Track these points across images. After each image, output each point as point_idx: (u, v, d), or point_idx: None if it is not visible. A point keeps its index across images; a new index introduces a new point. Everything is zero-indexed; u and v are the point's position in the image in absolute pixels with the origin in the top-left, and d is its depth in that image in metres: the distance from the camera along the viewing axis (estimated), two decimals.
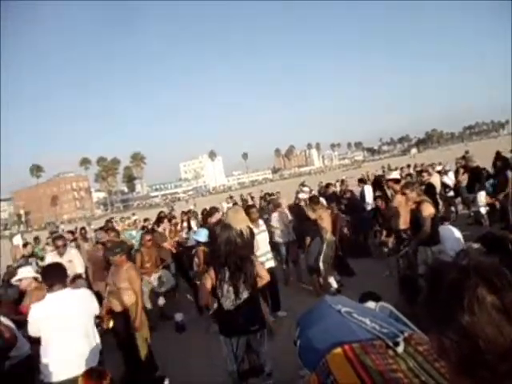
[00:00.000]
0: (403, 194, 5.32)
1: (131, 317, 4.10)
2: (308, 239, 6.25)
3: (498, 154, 9.93)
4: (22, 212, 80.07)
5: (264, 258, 5.37)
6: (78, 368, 2.81)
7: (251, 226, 5.05)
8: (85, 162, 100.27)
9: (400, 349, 1.33)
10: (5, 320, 3.32)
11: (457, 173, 10.04)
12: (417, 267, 4.85)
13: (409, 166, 16.08)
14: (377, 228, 7.90)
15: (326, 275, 6.06)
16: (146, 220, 12.30)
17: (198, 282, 5.05)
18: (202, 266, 5.05)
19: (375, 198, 8.61)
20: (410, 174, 11.16)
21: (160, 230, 7.57)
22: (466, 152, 13.52)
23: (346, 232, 7.76)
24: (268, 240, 5.84)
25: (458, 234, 5.18)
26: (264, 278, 3.32)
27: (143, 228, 11.39)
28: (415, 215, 4.95)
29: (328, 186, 11.07)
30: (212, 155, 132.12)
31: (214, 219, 6.04)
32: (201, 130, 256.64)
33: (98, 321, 4.11)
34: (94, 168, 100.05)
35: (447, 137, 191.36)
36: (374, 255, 7.70)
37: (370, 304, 1.85)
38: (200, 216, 10.62)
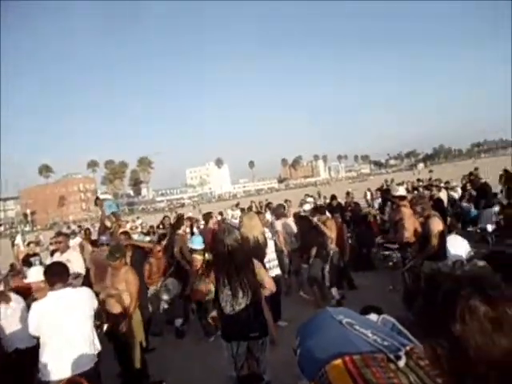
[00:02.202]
0: (411, 207, 5.29)
1: (127, 319, 4.10)
2: (314, 250, 6.22)
3: (505, 171, 9.88)
4: (28, 211, 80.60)
5: (270, 265, 5.37)
6: (75, 368, 2.80)
7: (259, 233, 5.05)
8: (92, 164, 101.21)
9: (401, 363, 1.30)
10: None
11: (464, 189, 9.98)
12: (422, 282, 4.79)
13: (418, 180, 16.03)
14: (380, 241, 7.85)
15: (329, 286, 6.01)
16: (151, 227, 12.30)
17: (194, 289, 5.05)
18: (196, 274, 5.05)
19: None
20: (416, 188, 11.12)
21: (180, 232, 6.81)
22: (476, 169, 13.45)
23: (350, 244, 7.71)
24: (273, 248, 5.83)
25: (463, 242, 5.14)
26: (268, 285, 3.30)
27: (148, 233, 11.41)
28: (423, 229, 4.91)
29: (333, 197, 11.04)
30: (219, 162, 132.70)
31: (210, 224, 6.05)
32: (208, 138, 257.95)
33: (99, 323, 4.11)
34: (102, 171, 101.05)
35: (455, 153, 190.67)
36: (377, 268, 7.63)
37: (373, 316, 1.81)
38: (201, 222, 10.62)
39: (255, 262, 3.29)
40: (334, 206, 9.83)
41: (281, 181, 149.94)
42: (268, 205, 12.33)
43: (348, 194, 11.93)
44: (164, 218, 10.36)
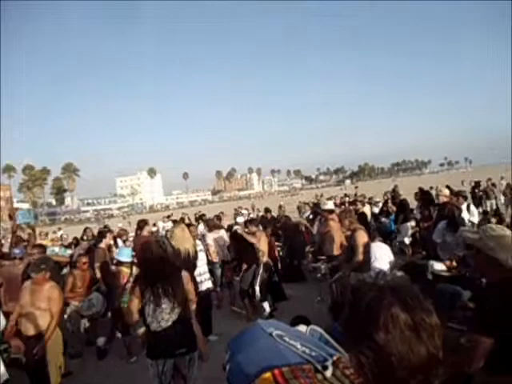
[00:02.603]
0: (339, 221, 5.54)
1: (43, 341, 3.70)
2: (245, 262, 6.22)
3: (420, 189, 10.85)
4: None
5: (201, 279, 5.27)
6: None
7: (191, 245, 4.95)
8: (8, 169, 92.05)
9: (328, 373, 1.33)
10: None
11: (385, 204, 10.75)
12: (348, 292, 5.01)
13: (345, 195, 16.96)
14: (310, 249, 8.10)
15: (260, 299, 6.04)
16: (75, 238, 11.42)
17: (121, 305, 4.78)
18: (121, 288, 4.79)
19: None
20: (343, 203, 11.74)
21: (103, 246, 6.43)
22: (395, 186, 14.60)
23: (281, 256, 7.87)
24: (205, 260, 5.75)
25: (387, 249, 5.51)
26: (192, 300, 3.21)
27: (70, 245, 10.56)
28: (349, 242, 5.16)
29: (267, 210, 11.24)
30: (151, 172, 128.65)
31: (145, 232, 5.82)
32: (141, 147, 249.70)
33: (6, 346, 3.68)
34: (20, 177, 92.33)
35: (378, 171, 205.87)
36: (307, 279, 7.86)
37: (302, 327, 1.84)
38: (133, 233, 10.11)
39: (184, 275, 3.19)
40: (267, 219, 10.01)
41: (215, 193, 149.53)
42: (201, 217, 12.18)
43: (280, 207, 12.21)
44: (85, 230, 9.60)
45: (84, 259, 5.82)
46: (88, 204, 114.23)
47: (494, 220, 8.01)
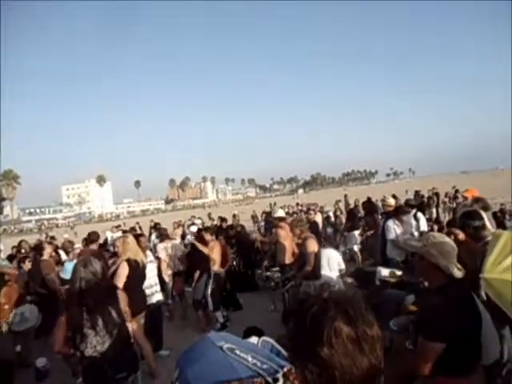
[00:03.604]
0: (291, 229, 5.61)
1: None
2: (197, 273, 6.11)
3: (368, 199, 11.34)
4: None
5: (151, 291, 5.09)
6: None
7: (141, 256, 4.76)
8: None
9: None
10: None
11: (335, 213, 11.10)
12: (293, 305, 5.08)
13: (297, 204, 17.29)
14: (265, 263, 8.15)
15: (212, 309, 5.94)
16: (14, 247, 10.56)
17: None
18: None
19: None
20: (295, 212, 11.96)
21: (46, 257, 5.93)
22: (345, 195, 15.17)
23: (234, 265, 7.82)
24: (156, 272, 5.56)
25: (337, 254, 5.70)
26: (129, 318, 3.03)
27: (11, 257, 9.70)
28: (300, 250, 5.24)
29: (223, 219, 11.13)
30: (100, 180, 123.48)
31: (94, 245, 5.52)
32: (90, 153, 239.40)
33: None
34: None
35: (329, 181, 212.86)
36: (261, 289, 7.87)
37: (253, 339, 1.82)
38: (79, 245, 9.55)
39: (120, 294, 3.01)
40: (222, 228, 9.92)
41: (168, 202, 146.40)
42: (155, 226, 11.87)
43: (234, 216, 12.20)
44: (21, 242, 8.88)
45: (12, 271, 5.12)
46: (30, 213, 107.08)
47: (435, 227, 8.54)
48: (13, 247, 10.14)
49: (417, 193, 14.75)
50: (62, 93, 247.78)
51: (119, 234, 10.81)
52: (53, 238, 11.40)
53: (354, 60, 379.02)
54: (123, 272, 4.19)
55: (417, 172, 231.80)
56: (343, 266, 5.65)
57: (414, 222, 6.11)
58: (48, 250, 6.02)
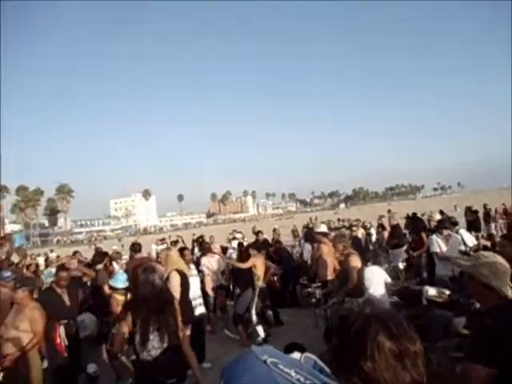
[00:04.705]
0: (334, 246, 5.55)
1: (25, 364, 3.62)
2: (240, 287, 6.18)
3: (414, 214, 10.93)
4: None
5: (194, 303, 5.20)
6: None
7: (185, 269, 4.91)
8: (1, 189, 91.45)
9: None
10: None
11: (379, 229, 10.80)
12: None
13: (338, 219, 17.00)
14: (304, 279, 8.07)
15: (254, 324, 5.96)
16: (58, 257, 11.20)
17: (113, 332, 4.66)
18: (116, 316, 4.67)
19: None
20: (338, 228, 11.75)
21: (100, 266, 6.18)
22: (389, 211, 14.68)
23: (275, 281, 7.80)
24: (199, 285, 5.69)
25: (382, 271, 5.54)
26: (182, 330, 3.15)
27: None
28: (342, 267, 5.16)
29: (258, 233, 11.16)
30: (146, 194, 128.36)
31: (139, 255, 5.74)
32: (136, 168, 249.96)
33: None
34: (13, 197, 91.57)
35: (372, 195, 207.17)
36: (302, 305, 7.78)
37: (296, 355, 1.83)
38: (126, 256, 9.97)
39: (176, 303, 3.16)
40: (260, 242, 9.96)
41: (209, 215, 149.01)
42: (198, 239, 12.07)
43: (274, 230, 12.19)
44: (75, 254, 9.33)
45: (63, 273, 4.92)
46: (81, 225, 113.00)
47: (487, 243, 8.07)
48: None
49: (468, 208, 14.01)
50: (112, 113, 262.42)
51: (163, 246, 11.18)
52: (97, 249, 11.97)
53: (404, 70, 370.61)
54: (176, 282, 4.35)
55: (466, 186, 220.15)
56: (389, 280, 5.50)
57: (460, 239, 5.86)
58: (102, 264, 6.37)
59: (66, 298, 4.57)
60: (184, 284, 4.54)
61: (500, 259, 2.02)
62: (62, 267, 4.76)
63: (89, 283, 6.37)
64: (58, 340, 4.23)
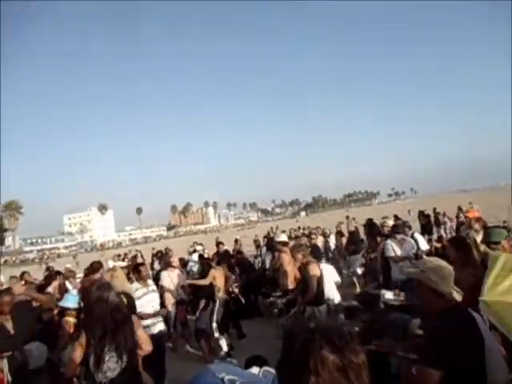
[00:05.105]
0: (292, 254, 5.61)
1: None
2: (202, 301, 6.07)
3: (370, 220, 11.31)
4: None
5: (152, 321, 5.03)
6: None
7: (130, 289, 4.77)
8: None
9: None
10: None
11: (337, 236, 11.07)
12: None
13: (299, 228, 17.23)
14: (266, 289, 8.07)
15: (217, 337, 5.86)
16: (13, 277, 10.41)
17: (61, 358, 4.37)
18: (66, 338, 4.40)
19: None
20: (298, 236, 11.90)
21: (50, 290, 6.03)
22: (347, 217, 15.09)
23: (235, 292, 7.74)
24: (158, 301, 5.51)
25: (332, 269, 5.82)
26: (145, 346, 3.04)
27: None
28: (302, 275, 5.21)
29: (219, 244, 11.09)
30: (102, 208, 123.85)
31: (97, 276, 5.48)
32: (91, 181, 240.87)
33: None
34: None
35: (330, 203, 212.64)
36: (264, 316, 7.77)
37: (254, 369, 1.83)
38: (81, 274, 9.47)
39: (134, 319, 3.04)
40: (221, 254, 9.88)
41: (170, 228, 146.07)
42: (157, 254, 11.80)
43: (236, 241, 12.16)
44: (23, 274, 8.61)
45: (7, 297, 4.28)
46: (32, 243, 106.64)
47: (438, 245, 8.50)
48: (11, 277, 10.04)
49: (421, 213, 14.68)
50: (59, 119, 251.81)
51: (121, 263, 10.78)
52: (49, 268, 11.26)
53: (351, 74, 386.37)
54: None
55: (419, 191, 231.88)
56: (338, 279, 5.71)
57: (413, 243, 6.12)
58: (55, 284, 6.02)
59: (9, 327, 4.05)
60: (130, 305, 4.37)
61: (443, 263, 2.12)
62: (5, 291, 4.35)
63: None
64: (1, 375, 3.82)
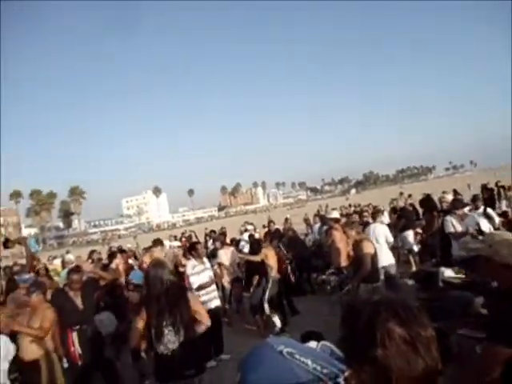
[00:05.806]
0: (344, 232, 5.52)
1: (42, 366, 3.70)
2: (255, 278, 6.20)
3: (427, 195, 10.80)
4: None
5: (210, 297, 5.24)
6: None
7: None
8: (16, 194, 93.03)
9: None
10: None
11: (391, 213, 10.70)
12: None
13: (350, 205, 16.87)
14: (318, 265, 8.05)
15: (270, 314, 5.99)
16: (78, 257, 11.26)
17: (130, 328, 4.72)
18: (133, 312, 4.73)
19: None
20: (349, 214, 11.66)
21: (113, 266, 6.44)
22: (401, 193, 14.52)
23: (289, 270, 7.80)
24: (213, 278, 5.73)
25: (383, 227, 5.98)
26: (204, 320, 3.19)
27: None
28: (355, 253, 5.13)
29: (270, 223, 11.17)
30: (156, 191, 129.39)
31: (155, 252, 5.79)
32: (145, 166, 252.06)
33: (16, 375, 3.68)
34: (27, 202, 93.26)
35: (382, 179, 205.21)
36: (317, 293, 7.79)
37: (312, 343, 1.83)
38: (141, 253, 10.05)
39: (190, 295, 3.19)
40: (272, 233, 9.95)
41: (221, 209, 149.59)
42: (210, 233, 12.15)
43: (286, 220, 12.17)
44: (92, 253, 9.29)
45: (75, 276, 4.61)
46: (95, 226, 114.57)
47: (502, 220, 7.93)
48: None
49: (484, 186, 13.73)
50: (117, 114, 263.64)
51: (177, 242, 11.27)
52: (111, 248, 12.07)
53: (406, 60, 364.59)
54: None
55: (479, 164, 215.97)
56: (391, 239, 5.60)
57: (483, 220, 5.73)
58: (116, 261, 6.45)
59: (78, 302, 4.31)
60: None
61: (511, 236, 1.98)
62: (74, 269, 4.72)
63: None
64: (72, 348, 4.11)
